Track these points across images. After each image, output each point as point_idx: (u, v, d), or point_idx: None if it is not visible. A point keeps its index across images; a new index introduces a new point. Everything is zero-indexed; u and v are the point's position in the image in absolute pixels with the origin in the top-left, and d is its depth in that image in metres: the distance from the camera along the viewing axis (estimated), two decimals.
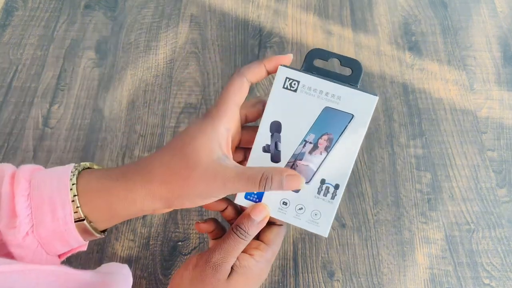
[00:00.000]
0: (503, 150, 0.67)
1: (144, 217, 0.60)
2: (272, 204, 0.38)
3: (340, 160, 0.37)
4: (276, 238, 0.40)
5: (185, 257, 0.57)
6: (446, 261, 0.59)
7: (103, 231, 0.39)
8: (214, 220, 0.41)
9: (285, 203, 0.38)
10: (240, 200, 0.38)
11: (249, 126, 0.40)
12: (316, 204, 0.37)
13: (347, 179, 0.37)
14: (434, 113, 0.70)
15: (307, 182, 0.37)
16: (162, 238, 0.58)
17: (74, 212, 0.35)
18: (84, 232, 0.36)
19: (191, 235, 0.59)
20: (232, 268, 0.37)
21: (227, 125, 0.36)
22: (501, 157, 0.67)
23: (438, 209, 0.62)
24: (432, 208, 0.62)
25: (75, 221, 0.35)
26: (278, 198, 0.38)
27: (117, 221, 0.38)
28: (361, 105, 0.36)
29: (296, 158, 0.37)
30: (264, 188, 0.34)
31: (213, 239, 0.42)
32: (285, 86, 0.37)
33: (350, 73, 0.37)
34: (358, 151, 0.36)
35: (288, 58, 0.37)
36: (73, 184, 0.35)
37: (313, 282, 0.56)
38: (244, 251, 0.38)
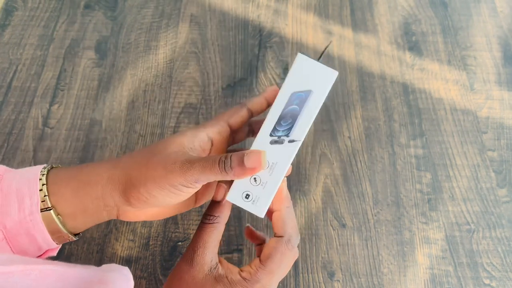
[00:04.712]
0: (503, 150, 0.67)
1: None
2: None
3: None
4: (273, 253, 0.36)
5: None
6: (446, 261, 0.59)
7: (76, 235, 0.38)
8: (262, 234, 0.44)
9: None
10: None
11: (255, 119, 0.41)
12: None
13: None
14: (434, 113, 0.70)
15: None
16: (162, 238, 0.58)
17: (42, 201, 0.34)
18: (53, 231, 0.36)
19: (191, 235, 0.59)
20: (215, 277, 0.35)
21: (211, 134, 0.37)
22: (501, 157, 0.67)
23: (438, 209, 0.62)
24: (432, 208, 0.62)
25: (41, 211, 0.34)
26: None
27: (83, 218, 0.36)
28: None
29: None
30: (224, 167, 0.33)
31: (257, 245, 0.44)
32: None
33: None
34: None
35: (275, 89, 0.39)
36: (43, 175, 0.35)
37: (313, 282, 0.56)
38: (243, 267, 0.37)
